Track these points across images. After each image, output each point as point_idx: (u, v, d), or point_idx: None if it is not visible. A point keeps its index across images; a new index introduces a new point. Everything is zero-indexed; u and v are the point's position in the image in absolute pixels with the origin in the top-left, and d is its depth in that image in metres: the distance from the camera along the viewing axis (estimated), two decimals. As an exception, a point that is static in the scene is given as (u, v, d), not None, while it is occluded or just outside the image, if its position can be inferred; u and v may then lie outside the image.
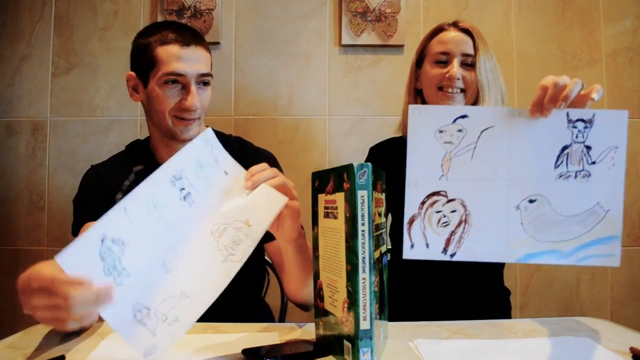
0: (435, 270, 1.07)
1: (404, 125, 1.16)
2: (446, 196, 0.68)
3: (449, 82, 1.05)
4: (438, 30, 1.11)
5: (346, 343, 0.64)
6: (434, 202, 0.68)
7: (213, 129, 1.12)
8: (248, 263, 0.80)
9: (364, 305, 0.62)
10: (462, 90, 1.06)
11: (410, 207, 0.68)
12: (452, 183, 0.67)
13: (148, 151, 1.06)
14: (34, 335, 0.80)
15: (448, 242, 0.68)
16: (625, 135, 0.66)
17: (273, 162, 1.11)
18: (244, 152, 1.10)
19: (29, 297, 0.56)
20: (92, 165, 1.06)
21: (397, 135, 1.22)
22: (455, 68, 1.04)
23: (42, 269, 0.57)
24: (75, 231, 0.95)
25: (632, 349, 0.69)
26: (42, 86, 1.59)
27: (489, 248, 0.68)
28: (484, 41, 1.07)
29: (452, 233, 0.68)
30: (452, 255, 0.69)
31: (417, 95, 1.15)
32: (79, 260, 0.60)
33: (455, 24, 1.10)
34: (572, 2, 1.64)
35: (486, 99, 1.04)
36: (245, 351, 0.67)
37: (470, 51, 1.06)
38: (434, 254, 0.69)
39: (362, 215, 0.62)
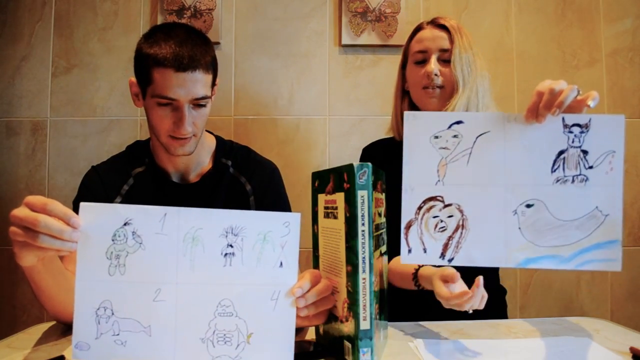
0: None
1: (396, 127, 1.16)
2: (443, 201, 0.68)
3: (427, 80, 1.05)
4: (417, 29, 1.12)
5: (346, 343, 0.64)
6: (430, 207, 0.68)
7: (220, 137, 1.13)
8: None
9: (364, 305, 0.62)
10: (442, 87, 1.06)
11: (407, 212, 0.68)
12: (449, 188, 0.67)
13: (149, 153, 1.06)
14: (34, 335, 0.80)
15: (446, 247, 0.68)
16: (623, 139, 0.65)
17: (276, 174, 1.11)
18: (248, 161, 1.09)
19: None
20: (92, 166, 1.06)
21: (389, 136, 1.22)
22: (432, 65, 1.05)
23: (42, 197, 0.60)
24: None
25: (632, 349, 0.69)
26: (42, 86, 1.59)
27: (488, 253, 0.67)
28: (461, 35, 1.06)
29: (450, 238, 0.68)
30: (450, 260, 0.68)
31: (405, 96, 1.15)
32: (95, 220, 0.61)
33: (433, 22, 1.11)
34: (572, 2, 1.64)
35: (459, 93, 1.03)
36: None
37: (448, 46, 1.06)
38: (432, 258, 0.69)
39: (362, 215, 0.62)
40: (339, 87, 1.62)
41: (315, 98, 1.62)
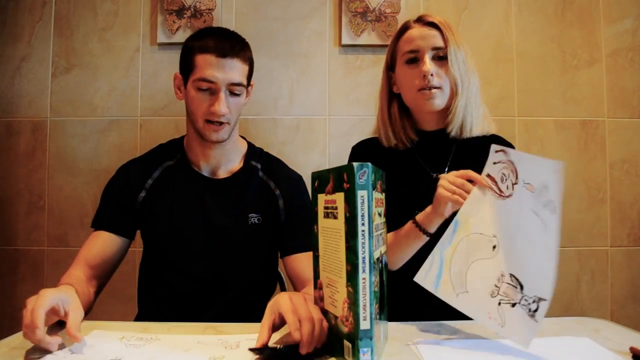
0: None
1: (384, 132, 1.12)
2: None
3: (423, 81, 1.00)
4: (404, 28, 1.07)
5: (346, 343, 0.64)
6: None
7: (251, 143, 1.17)
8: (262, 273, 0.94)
9: (364, 305, 0.62)
10: (439, 87, 1.02)
11: None
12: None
13: (181, 148, 1.12)
14: (34, 335, 0.79)
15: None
16: None
17: (301, 184, 1.16)
18: (277, 168, 1.14)
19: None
20: (123, 164, 1.11)
21: (376, 136, 1.18)
22: (427, 65, 1.00)
23: (37, 300, 0.68)
24: (94, 224, 1.05)
25: (632, 349, 0.69)
26: (42, 86, 1.59)
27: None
28: (452, 32, 1.02)
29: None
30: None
31: (393, 99, 1.11)
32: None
33: (420, 19, 1.06)
34: (572, 2, 1.64)
35: (459, 93, 1.01)
36: (251, 350, 0.67)
37: (441, 44, 1.01)
38: None
39: (362, 215, 0.62)
40: (339, 87, 1.62)
41: (315, 98, 1.62)
